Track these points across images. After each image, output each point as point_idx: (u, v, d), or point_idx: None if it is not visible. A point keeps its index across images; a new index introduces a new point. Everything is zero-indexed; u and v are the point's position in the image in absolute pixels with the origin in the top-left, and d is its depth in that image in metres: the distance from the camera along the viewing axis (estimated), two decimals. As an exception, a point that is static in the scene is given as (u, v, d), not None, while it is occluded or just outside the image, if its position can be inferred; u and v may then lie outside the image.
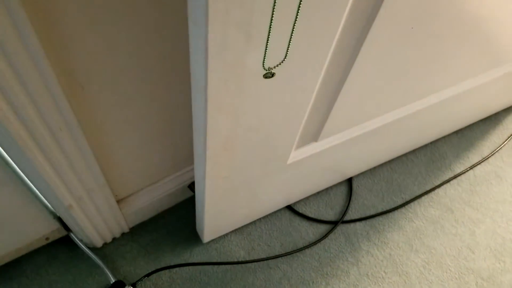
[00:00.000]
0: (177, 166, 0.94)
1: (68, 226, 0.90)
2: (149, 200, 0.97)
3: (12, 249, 0.89)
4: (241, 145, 0.64)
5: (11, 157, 0.63)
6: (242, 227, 1.05)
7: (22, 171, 0.67)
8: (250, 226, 1.06)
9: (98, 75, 0.58)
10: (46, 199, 0.77)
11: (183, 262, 0.99)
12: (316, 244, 1.04)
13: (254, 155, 0.70)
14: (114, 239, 1.00)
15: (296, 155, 0.80)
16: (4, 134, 0.52)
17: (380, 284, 1.00)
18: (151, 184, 0.95)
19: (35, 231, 0.88)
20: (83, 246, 0.94)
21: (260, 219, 1.07)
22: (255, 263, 1.00)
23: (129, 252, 1.00)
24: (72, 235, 0.94)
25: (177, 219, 1.05)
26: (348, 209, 1.11)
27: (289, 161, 0.80)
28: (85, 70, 0.56)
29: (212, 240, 1.03)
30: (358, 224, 1.09)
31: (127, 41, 0.56)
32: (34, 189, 0.74)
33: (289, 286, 0.98)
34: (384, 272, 1.01)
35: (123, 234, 1.01)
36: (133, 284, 0.92)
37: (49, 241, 0.95)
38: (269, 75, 0.48)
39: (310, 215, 1.09)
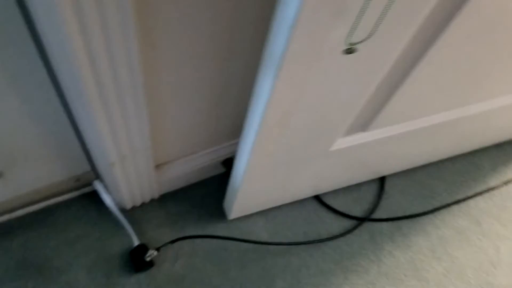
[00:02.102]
0: (216, 140, 0.95)
1: (105, 185, 0.91)
2: (183, 170, 0.97)
3: (44, 185, 0.90)
4: (295, 122, 0.64)
5: (74, 103, 0.63)
6: (269, 209, 1.06)
7: (78, 120, 0.68)
8: (276, 210, 1.06)
9: (169, 37, 0.59)
10: (92, 153, 0.78)
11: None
12: (339, 237, 1.04)
13: (303, 135, 0.70)
14: (143, 203, 1.02)
15: (341, 142, 0.80)
16: (76, 77, 0.52)
17: (398, 286, 0.99)
18: (189, 155, 0.96)
19: (68, 169, 0.89)
20: (113, 205, 0.95)
21: (287, 204, 1.07)
22: (276, 247, 1.00)
23: (155, 218, 1.01)
24: (97, 184, 0.95)
25: (205, 194, 1.06)
26: (377, 208, 1.11)
27: (333, 148, 0.80)
28: (160, 30, 0.57)
29: (237, 219, 1.03)
30: (384, 224, 1.08)
31: (202, 6, 0.56)
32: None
33: (307, 275, 0.98)
34: (404, 275, 1.01)
35: (152, 200, 1.02)
36: (158, 249, 0.93)
37: (79, 183, 0.96)
38: (349, 50, 0.47)
39: (337, 208, 1.09)
